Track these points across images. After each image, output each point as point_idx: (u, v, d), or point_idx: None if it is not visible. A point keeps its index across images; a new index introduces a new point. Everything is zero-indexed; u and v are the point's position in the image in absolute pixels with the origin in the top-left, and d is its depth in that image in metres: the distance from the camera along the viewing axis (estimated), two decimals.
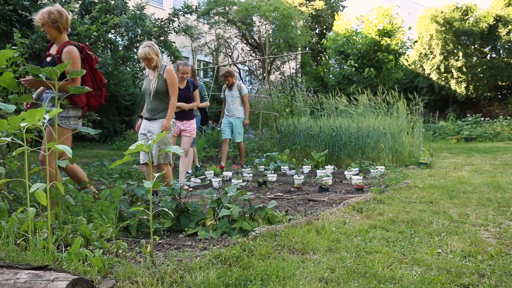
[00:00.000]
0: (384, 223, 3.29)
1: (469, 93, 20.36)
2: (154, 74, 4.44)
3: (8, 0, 7.63)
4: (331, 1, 25.49)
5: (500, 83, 20.53)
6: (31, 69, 3.04)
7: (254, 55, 18.09)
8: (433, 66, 20.71)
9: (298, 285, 2.08)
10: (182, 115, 5.56)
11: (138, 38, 8.74)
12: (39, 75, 2.98)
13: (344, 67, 17.89)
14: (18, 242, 2.39)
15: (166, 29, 9.35)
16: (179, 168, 5.47)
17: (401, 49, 16.80)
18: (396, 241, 2.83)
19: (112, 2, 8.48)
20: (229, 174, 6.13)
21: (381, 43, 16.27)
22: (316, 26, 25.31)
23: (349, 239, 2.86)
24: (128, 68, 9.45)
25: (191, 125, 5.63)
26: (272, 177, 5.72)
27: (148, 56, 4.31)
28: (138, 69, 9.00)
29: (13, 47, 4.30)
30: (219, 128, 9.67)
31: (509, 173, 6.27)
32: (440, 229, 3.13)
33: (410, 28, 17.79)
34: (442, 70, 20.39)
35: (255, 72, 18.45)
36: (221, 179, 5.58)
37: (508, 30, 19.29)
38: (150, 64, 4.37)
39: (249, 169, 6.84)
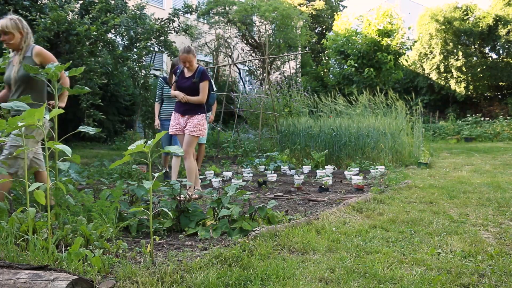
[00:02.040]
0: (384, 223, 3.28)
1: (469, 93, 20.37)
2: (18, 58, 3.41)
3: (8, 0, 7.63)
4: (331, 1, 25.52)
5: (500, 83, 20.54)
6: (29, 69, 3.04)
7: (254, 55, 18.10)
8: (433, 66, 20.72)
9: (298, 285, 2.07)
10: (183, 109, 4.68)
11: (139, 37, 8.74)
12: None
13: (344, 67, 17.90)
14: (18, 242, 2.39)
15: (166, 29, 9.34)
16: (172, 174, 4.85)
17: (401, 49, 16.81)
18: (396, 241, 2.83)
19: (112, 2, 8.48)
20: (229, 174, 6.13)
21: (381, 43, 16.28)
22: (316, 26, 25.33)
23: (349, 239, 2.86)
24: (128, 66, 9.44)
25: (193, 121, 4.65)
26: (272, 177, 5.72)
27: (6, 30, 3.31)
28: (137, 68, 9.00)
29: None
30: (219, 128, 9.67)
31: (509, 173, 6.27)
32: (440, 229, 3.12)
33: (410, 28, 17.80)
34: (442, 70, 20.41)
35: (255, 72, 18.45)
36: (221, 179, 5.58)
37: (507, 30, 19.30)
38: (9, 41, 3.36)
39: (249, 169, 6.84)
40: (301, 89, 12.16)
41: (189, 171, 4.60)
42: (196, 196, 4.47)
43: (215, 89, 5.94)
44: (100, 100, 7.18)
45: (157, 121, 6.12)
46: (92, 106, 7.23)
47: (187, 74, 4.71)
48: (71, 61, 3.52)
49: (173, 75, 4.81)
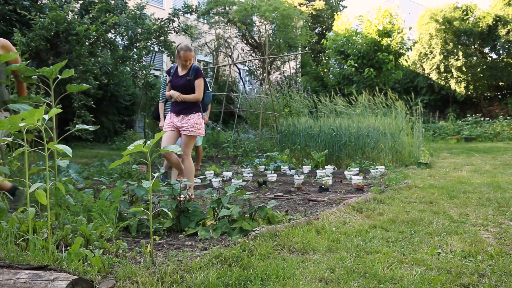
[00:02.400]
0: (384, 223, 3.28)
1: (469, 93, 20.37)
2: None
3: (8, 0, 7.63)
4: (331, 1, 25.52)
5: (500, 83, 20.53)
6: (25, 70, 3.04)
7: (254, 55, 18.09)
8: (433, 66, 20.72)
9: (298, 285, 2.07)
10: (178, 108, 4.57)
11: (138, 37, 8.73)
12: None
13: (344, 67, 17.90)
14: (18, 242, 2.39)
15: (166, 29, 9.35)
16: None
17: (401, 49, 16.82)
18: (396, 241, 2.83)
19: (112, 2, 8.48)
20: (229, 174, 6.13)
21: (381, 43, 16.28)
22: (316, 26, 25.34)
23: (349, 239, 2.86)
24: (127, 68, 9.45)
25: (190, 121, 4.55)
26: (272, 177, 5.72)
27: None
28: (138, 68, 8.99)
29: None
30: (219, 128, 9.67)
31: (509, 173, 6.27)
32: (440, 229, 3.12)
33: (410, 28, 17.81)
34: (442, 69, 20.41)
35: (255, 72, 18.45)
36: (221, 179, 5.57)
37: (507, 30, 19.30)
38: None
39: (249, 169, 6.84)
40: (301, 89, 12.16)
41: (188, 171, 4.58)
42: (191, 196, 4.41)
43: (209, 88, 5.84)
44: (92, 102, 7.15)
45: (162, 122, 5.89)
46: (84, 107, 7.18)
47: (181, 72, 4.62)
48: (67, 60, 3.50)
49: (168, 75, 4.74)
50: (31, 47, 6.62)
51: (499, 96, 21.41)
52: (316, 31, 25.23)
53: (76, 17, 7.52)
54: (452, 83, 20.34)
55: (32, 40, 6.61)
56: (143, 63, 9.17)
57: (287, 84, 11.96)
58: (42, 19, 6.74)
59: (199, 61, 17.99)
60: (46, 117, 2.43)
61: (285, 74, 18.64)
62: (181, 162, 4.68)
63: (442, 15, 19.85)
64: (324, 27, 25.51)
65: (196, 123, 4.57)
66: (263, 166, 7.08)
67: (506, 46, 19.71)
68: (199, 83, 4.57)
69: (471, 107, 20.80)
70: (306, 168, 6.77)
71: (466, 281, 2.14)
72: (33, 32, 6.66)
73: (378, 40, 16.30)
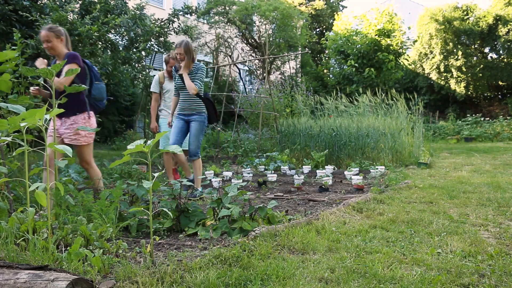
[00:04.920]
0: (384, 223, 3.28)
1: (469, 93, 20.36)
2: None
3: (8, 0, 7.63)
4: (331, 1, 25.52)
5: (500, 83, 20.52)
6: (26, 71, 3.03)
7: (254, 55, 18.08)
8: (433, 66, 20.71)
9: (298, 285, 2.07)
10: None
11: (138, 38, 8.73)
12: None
13: (344, 67, 17.89)
14: (18, 242, 2.39)
15: (166, 30, 9.35)
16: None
17: (401, 49, 16.81)
18: (396, 241, 2.83)
19: (112, 2, 8.48)
20: (229, 174, 6.13)
21: (381, 43, 16.28)
22: (316, 26, 25.34)
23: (349, 239, 2.86)
24: (129, 69, 9.46)
25: (72, 126, 3.64)
26: (272, 177, 5.72)
27: None
28: (137, 71, 9.00)
29: (13, 47, 4.30)
30: (219, 128, 9.66)
31: (509, 173, 6.27)
32: (440, 229, 3.12)
33: (409, 27, 17.80)
34: (442, 69, 20.39)
35: (255, 72, 18.44)
36: (221, 179, 5.57)
37: (507, 30, 19.29)
38: None
39: (249, 169, 6.84)
40: (304, 89, 12.16)
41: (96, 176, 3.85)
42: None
43: (101, 80, 4.48)
44: None
45: (170, 118, 5.31)
46: None
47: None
48: (66, 60, 3.49)
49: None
50: (40, 49, 6.64)
51: (499, 96, 21.40)
52: (316, 31, 25.23)
53: (76, 17, 7.52)
54: (452, 83, 20.34)
55: (39, 42, 6.63)
56: (143, 63, 9.18)
57: (290, 85, 11.96)
58: (46, 21, 6.74)
59: (199, 60, 17.95)
60: (47, 117, 2.43)
61: (285, 74, 18.63)
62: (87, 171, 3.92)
63: (442, 15, 19.84)
64: (324, 27, 25.50)
65: (80, 131, 3.63)
66: (263, 166, 7.08)
67: (506, 46, 19.68)
68: (66, 70, 3.41)
69: (471, 107, 20.79)
70: (306, 168, 6.77)
71: (466, 281, 2.14)
72: (39, 35, 6.68)
73: (378, 40, 16.30)
